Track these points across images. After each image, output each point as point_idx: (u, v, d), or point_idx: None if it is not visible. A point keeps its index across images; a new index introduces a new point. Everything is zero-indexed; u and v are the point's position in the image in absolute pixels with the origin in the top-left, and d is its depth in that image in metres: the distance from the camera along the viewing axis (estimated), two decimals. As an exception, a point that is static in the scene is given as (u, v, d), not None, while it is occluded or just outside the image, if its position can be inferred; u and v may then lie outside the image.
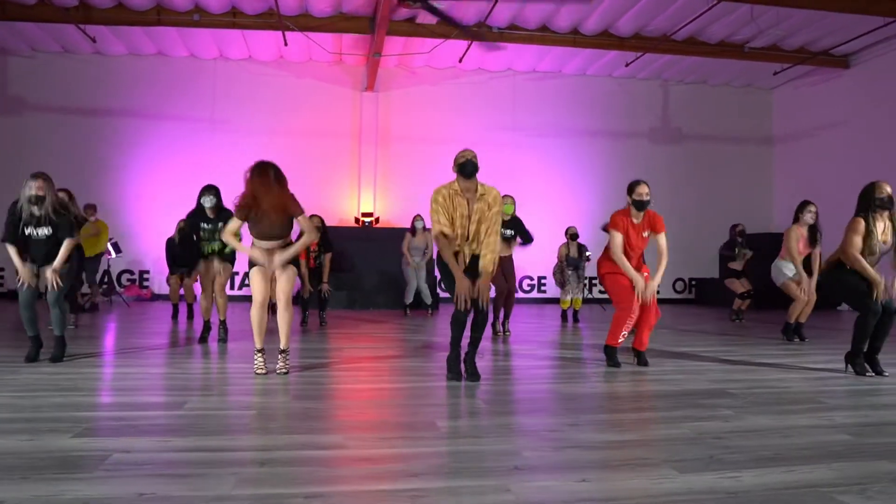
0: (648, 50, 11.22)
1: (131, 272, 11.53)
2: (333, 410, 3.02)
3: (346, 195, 12.48)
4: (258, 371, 3.89)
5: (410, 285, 9.09)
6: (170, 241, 8.28)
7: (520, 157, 13.03)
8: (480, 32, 10.32)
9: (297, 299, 9.48)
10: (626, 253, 4.39)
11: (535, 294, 13.13)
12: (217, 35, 10.92)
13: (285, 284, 3.91)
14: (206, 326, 5.48)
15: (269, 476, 2.02)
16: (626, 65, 12.23)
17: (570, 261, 8.50)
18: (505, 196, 6.60)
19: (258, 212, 3.83)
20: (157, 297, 11.42)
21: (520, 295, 12.95)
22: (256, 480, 1.97)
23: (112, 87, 11.58)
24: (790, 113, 13.64)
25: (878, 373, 4.18)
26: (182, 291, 7.79)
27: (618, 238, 4.38)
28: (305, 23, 10.04)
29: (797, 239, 6.04)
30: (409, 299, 9.13)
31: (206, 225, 5.35)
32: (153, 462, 2.13)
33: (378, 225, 12.05)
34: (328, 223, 11.94)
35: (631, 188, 4.45)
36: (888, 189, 4.16)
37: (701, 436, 2.61)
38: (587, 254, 8.63)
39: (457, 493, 1.88)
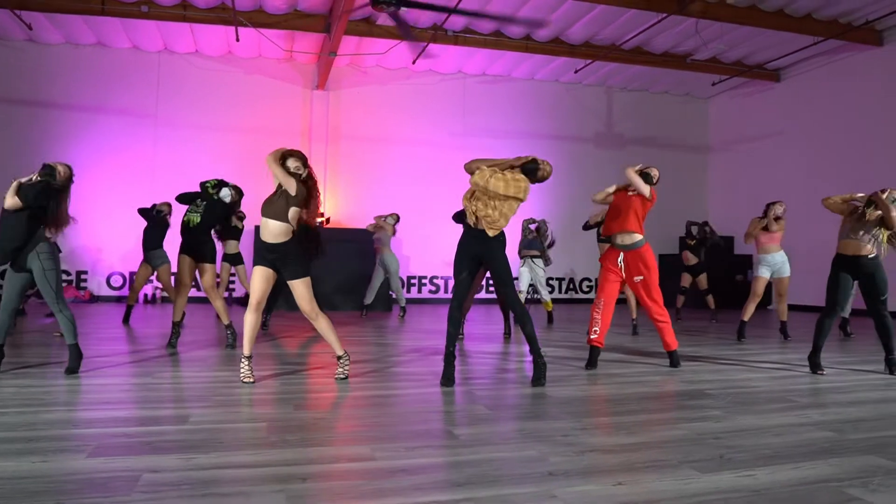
0: (597, 58, 11.59)
1: (68, 273, 10.96)
2: (343, 421, 3.03)
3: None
4: (245, 380, 3.83)
5: (373, 286, 9.07)
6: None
7: (469, 157, 13.12)
8: (425, 35, 10.41)
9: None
10: (611, 212, 4.74)
11: (483, 294, 13.32)
12: (163, 27, 10.54)
13: (304, 293, 3.90)
14: (175, 330, 5.32)
15: (318, 491, 2.03)
16: (576, 71, 12.58)
17: (527, 243, 8.02)
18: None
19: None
20: (96, 299, 10.92)
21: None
22: (308, 497, 1.98)
23: (48, 77, 10.98)
24: (724, 122, 14.38)
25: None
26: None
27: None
28: (259, 19, 9.83)
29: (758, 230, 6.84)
30: (369, 300, 9.11)
31: (200, 201, 5.38)
32: (190, 482, 2.10)
33: (329, 225, 11.92)
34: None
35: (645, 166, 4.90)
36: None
37: (702, 436, 2.78)
38: (547, 233, 8.13)
39: (509, 501, 1.95)
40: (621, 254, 4.64)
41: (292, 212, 3.87)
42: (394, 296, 10.48)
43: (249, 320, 3.86)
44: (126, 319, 7.41)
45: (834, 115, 11.59)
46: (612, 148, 14.12)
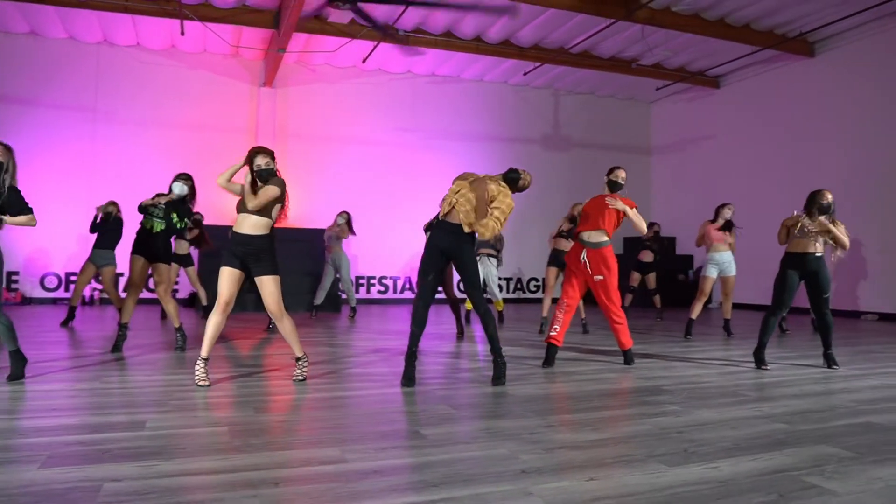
0: (546, 61, 11.77)
1: (-3, 275, 10.37)
2: (307, 423, 2.97)
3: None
4: (200, 383, 3.72)
5: (324, 285, 8.95)
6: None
7: (418, 158, 13.18)
8: (401, 36, 10.36)
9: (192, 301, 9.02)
10: (586, 213, 4.81)
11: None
12: (102, 18, 10.10)
13: (274, 291, 3.85)
14: (122, 333, 5.10)
15: (293, 496, 1.98)
16: (525, 73, 12.74)
17: (483, 241, 7.89)
18: None
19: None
20: (29, 301, 10.38)
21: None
22: (283, 501, 1.93)
23: (-25, 67, 10.37)
24: (666, 126, 14.83)
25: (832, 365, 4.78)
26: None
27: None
28: (206, 13, 9.54)
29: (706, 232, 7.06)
30: (320, 300, 8.99)
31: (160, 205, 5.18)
32: (156, 489, 2.02)
33: (277, 225, 11.69)
34: (223, 222, 11.48)
35: (610, 170, 4.89)
36: (829, 196, 4.75)
37: (664, 431, 2.86)
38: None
39: (486, 500, 1.96)
40: (584, 251, 4.71)
41: (276, 209, 3.91)
42: (344, 296, 10.37)
43: (214, 322, 3.76)
44: (66, 322, 7.08)
45: (769, 121, 12.13)
46: (559, 150, 14.37)
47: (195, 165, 11.49)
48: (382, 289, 12.85)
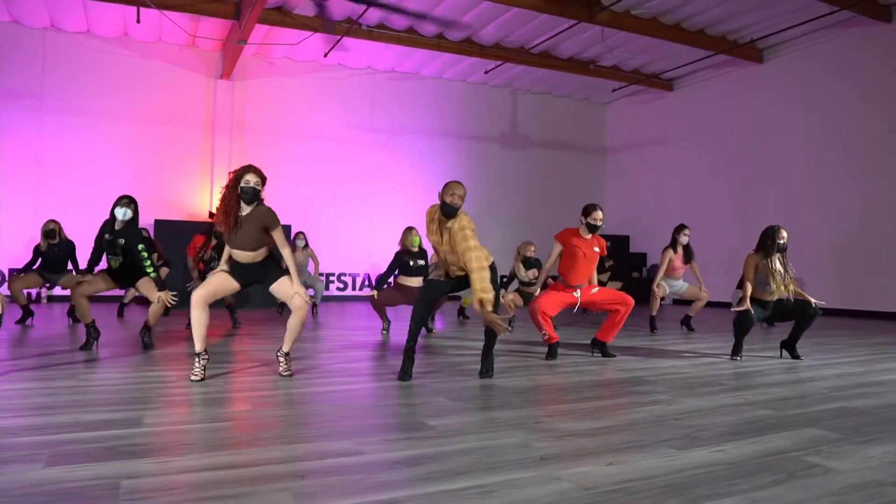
0: (507, 60, 11.89)
1: (-68, 272, 9.80)
2: (310, 417, 2.93)
3: (198, 188, 11.69)
4: (194, 378, 3.65)
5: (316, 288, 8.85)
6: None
7: (378, 155, 13.12)
8: (343, 28, 10.27)
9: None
10: (577, 265, 4.80)
11: (395, 291, 13.28)
12: (50, 1, 9.66)
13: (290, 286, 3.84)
14: (91, 331, 4.92)
15: (323, 487, 1.96)
16: (486, 72, 12.84)
17: None
18: (409, 228, 6.74)
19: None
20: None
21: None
22: (315, 493, 1.91)
23: None
24: (620, 126, 15.21)
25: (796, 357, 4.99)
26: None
27: (556, 250, 4.78)
28: (163, 0, 9.24)
29: (670, 260, 7.01)
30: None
31: (107, 236, 4.92)
32: (179, 485, 1.96)
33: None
34: (178, 217, 11.18)
35: (587, 211, 4.82)
36: (785, 234, 4.86)
37: (661, 418, 2.95)
38: None
39: (518, 486, 1.99)
40: (578, 290, 4.90)
41: (273, 237, 3.87)
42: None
43: (195, 317, 3.70)
44: (23, 320, 6.81)
45: (719, 124, 12.61)
46: (516, 148, 14.54)
47: (150, 159, 11.16)
48: (342, 286, 12.73)
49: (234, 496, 1.87)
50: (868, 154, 10.05)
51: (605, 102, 15.28)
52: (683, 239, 7.05)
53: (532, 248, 7.26)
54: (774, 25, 10.38)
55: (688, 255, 7.11)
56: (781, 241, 4.84)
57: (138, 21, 9.51)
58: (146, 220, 8.77)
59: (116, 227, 4.90)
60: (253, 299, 10.00)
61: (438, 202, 3.90)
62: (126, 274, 5.02)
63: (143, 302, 10.26)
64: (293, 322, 3.88)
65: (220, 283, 3.80)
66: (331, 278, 12.64)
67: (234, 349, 5.20)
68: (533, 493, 1.93)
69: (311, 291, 9.75)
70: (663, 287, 7.12)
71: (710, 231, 12.24)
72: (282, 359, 3.94)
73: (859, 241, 10.14)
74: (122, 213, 4.85)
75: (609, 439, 2.57)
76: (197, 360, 3.70)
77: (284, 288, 3.85)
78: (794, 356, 5.02)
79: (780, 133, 11.40)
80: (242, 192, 3.75)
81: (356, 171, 12.95)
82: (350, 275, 12.86)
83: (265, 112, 12.09)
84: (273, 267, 3.91)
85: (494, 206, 13.75)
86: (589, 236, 4.88)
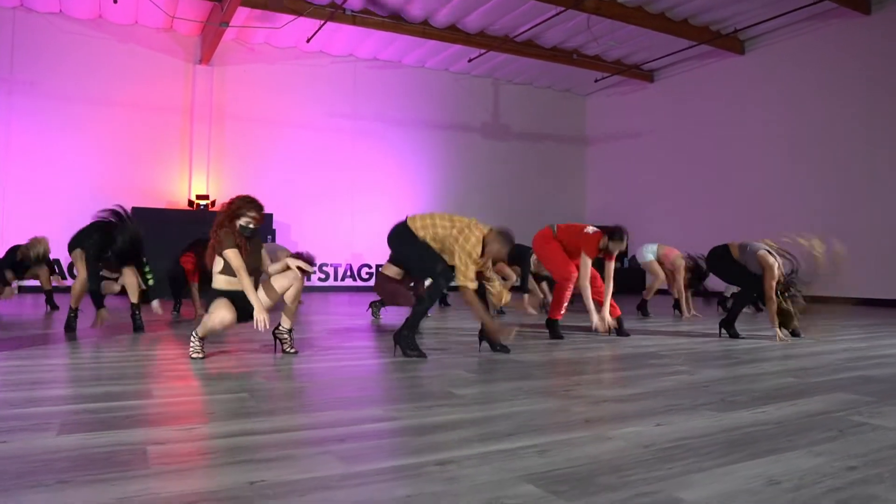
0: (491, 48, 11.81)
1: None
2: (329, 389, 2.79)
3: (177, 175, 11.38)
4: (194, 355, 3.50)
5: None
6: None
7: (359, 144, 12.94)
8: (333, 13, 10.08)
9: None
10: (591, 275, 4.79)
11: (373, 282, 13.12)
12: (20, -20, 9.29)
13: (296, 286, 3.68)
14: (74, 313, 4.69)
15: (368, 450, 1.84)
16: (469, 60, 12.73)
17: None
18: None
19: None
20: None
21: (357, 283, 12.88)
22: (360, 454, 1.79)
23: None
24: (601, 118, 15.25)
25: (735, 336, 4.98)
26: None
27: (589, 262, 4.70)
28: (141, -21, 8.94)
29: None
30: None
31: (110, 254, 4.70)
32: (211, 450, 1.83)
33: (215, 208, 11.16)
34: (157, 205, 10.85)
35: (619, 236, 4.79)
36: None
37: (691, 386, 2.89)
38: None
39: (574, 444, 1.89)
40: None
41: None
42: None
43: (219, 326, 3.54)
44: None
45: (699, 115, 12.70)
46: (497, 139, 14.48)
47: (126, 145, 10.81)
48: (323, 276, 12.53)
49: (275, 459, 1.74)
50: (846, 144, 10.21)
51: (586, 94, 15.31)
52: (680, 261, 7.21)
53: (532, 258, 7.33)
54: (757, 16, 10.48)
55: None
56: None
57: (115, 1, 9.20)
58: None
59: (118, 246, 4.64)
60: None
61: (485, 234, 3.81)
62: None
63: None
64: (290, 294, 3.72)
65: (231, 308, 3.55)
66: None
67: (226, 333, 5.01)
68: (590, 450, 1.84)
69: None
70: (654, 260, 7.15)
71: (690, 222, 12.35)
72: (285, 335, 3.79)
73: (836, 230, 10.29)
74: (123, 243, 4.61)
75: (647, 404, 2.49)
76: (195, 337, 3.53)
77: (280, 286, 3.69)
78: (795, 335, 5.01)
79: (760, 124, 11.53)
80: (243, 230, 3.59)
81: (337, 159, 12.76)
82: (332, 265, 12.66)
83: (245, 99, 11.82)
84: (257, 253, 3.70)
85: (473, 197, 13.67)
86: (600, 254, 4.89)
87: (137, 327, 4.79)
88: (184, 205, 11.11)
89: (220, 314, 3.43)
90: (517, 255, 7.11)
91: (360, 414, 2.29)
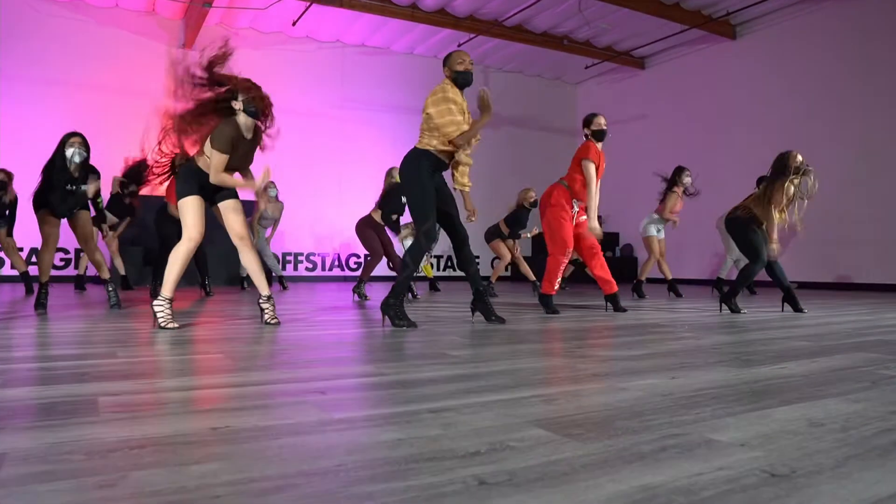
0: (481, 32, 11.58)
1: None
2: (314, 350, 2.57)
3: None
4: (167, 325, 3.25)
5: (265, 254, 8.46)
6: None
7: (347, 132, 12.68)
8: None
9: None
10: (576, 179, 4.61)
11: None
12: (-6, -41, 8.96)
13: (241, 215, 3.49)
14: (43, 288, 4.43)
15: (350, 401, 1.63)
16: (459, 45, 12.49)
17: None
18: (392, 168, 6.55)
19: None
20: None
21: (346, 273, 12.63)
22: (341, 404, 1.58)
23: None
24: (592, 107, 15.03)
25: (800, 310, 4.76)
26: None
27: (592, 168, 4.48)
28: (120, -44, 8.64)
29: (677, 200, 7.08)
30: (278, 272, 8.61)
31: (69, 187, 4.37)
32: (170, 401, 1.60)
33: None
34: (142, 192, 10.52)
35: (588, 121, 4.65)
36: (800, 158, 4.66)
37: (701, 348, 2.69)
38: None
39: (580, 395, 1.69)
40: (576, 206, 4.69)
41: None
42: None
43: (182, 259, 3.38)
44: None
45: (691, 101, 12.56)
46: (489, 127, 14.22)
47: (109, 130, 10.48)
48: (311, 265, 12.27)
49: (244, 408, 1.52)
50: (841, 129, 10.08)
51: (577, 82, 15.13)
52: (687, 179, 7.21)
53: (532, 194, 7.28)
54: (750, -2, 10.33)
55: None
56: (798, 164, 4.62)
57: (92, -21, 8.88)
58: (107, 196, 8.20)
59: (73, 173, 4.40)
60: (215, 274, 9.50)
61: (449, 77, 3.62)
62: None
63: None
64: (247, 260, 3.51)
65: (203, 210, 3.43)
66: (299, 258, 12.16)
67: (208, 308, 4.77)
68: (603, 399, 1.63)
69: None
70: (656, 237, 7.02)
71: (684, 209, 12.18)
72: (265, 305, 3.56)
73: (832, 214, 10.18)
74: (79, 156, 4.36)
75: (658, 362, 2.29)
76: (167, 305, 3.31)
77: (235, 214, 3.52)
78: (797, 309, 4.83)
79: (753, 110, 11.39)
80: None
81: (325, 147, 12.50)
82: (319, 254, 12.41)
83: None
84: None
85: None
86: (599, 144, 4.73)
87: (113, 304, 4.54)
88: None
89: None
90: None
91: (346, 370, 2.08)
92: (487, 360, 2.31)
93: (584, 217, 4.64)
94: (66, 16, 10.17)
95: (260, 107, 3.35)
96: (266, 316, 3.54)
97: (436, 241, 3.59)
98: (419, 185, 3.50)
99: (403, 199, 6.24)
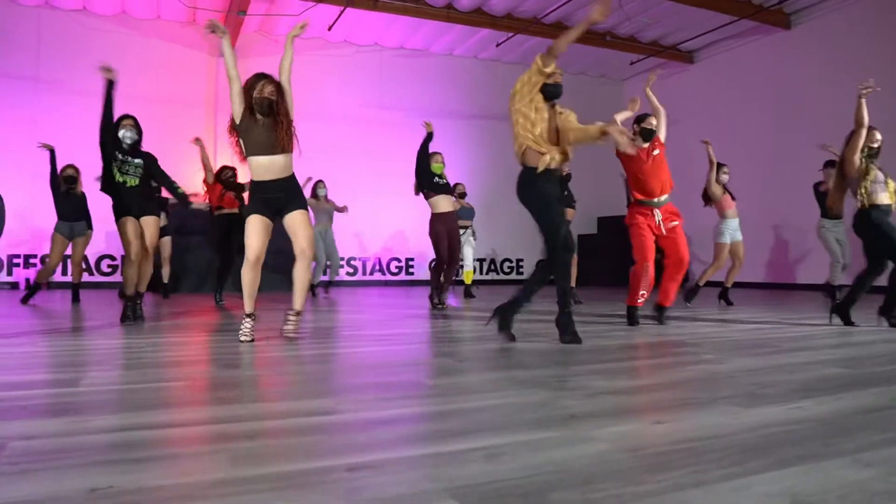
0: (519, 31, 11.31)
1: (-75, 258, 9.46)
2: (292, 376, 2.43)
3: (200, 168, 11.24)
4: (243, 338, 3.33)
5: (319, 261, 8.45)
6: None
7: (386, 135, 12.60)
8: None
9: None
10: (646, 183, 4.44)
11: (403, 276, 12.80)
12: (41, -23, 9.27)
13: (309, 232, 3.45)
14: (132, 303, 4.48)
15: (271, 449, 1.46)
16: (497, 45, 12.26)
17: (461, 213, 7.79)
18: (435, 153, 6.39)
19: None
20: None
21: (387, 278, 12.57)
22: (259, 456, 1.41)
23: None
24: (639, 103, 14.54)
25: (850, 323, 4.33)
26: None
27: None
28: (156, -31, 8.80)
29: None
30: (317, 279, 8.50)
31: (120, 155, 4.48)
32: (84, 447, 1.47)
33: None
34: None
35: (640, 119, 4.57)
36: (879, 136, 4.42)
37: (715, 376, 2.41)
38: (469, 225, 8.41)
39: (538, 447, 1.47)
40: (657, 210, 4.45)
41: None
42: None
43: (248, 277, 3.37)
44: (27, 299, 6.57)
45: (746, 97, 11.91)
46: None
47: (149, 139, 10.70)
48: (351, 270, 12.26)
49: (148, 459, 1.37)
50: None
51: (622, 79, 14.64)
52: (724, 177, 6.82)
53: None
54: (805, -16, 9.70)
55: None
56: (875, 145, 4.30)
57: (131, -8, 9.08)
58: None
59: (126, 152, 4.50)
60: (272, 281, 9.56)
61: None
62: (138, 205, 4.55)
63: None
64: (301, 274, 3.45)
65: (260, 231, 3.38)
66: (340, 263, 12.16)
67: (204, 319, 4.72)
68: (558, 455, 1.41)
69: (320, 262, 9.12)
70: (727, 244, 6.67)
71: (744, 211, 11.57)
72: (292, 317, 3.49)
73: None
74: (130, 138, 4.47)
75: (655, 397, 2.04)
76: (247, 320, 3.39)
77: (304, 227, 3.45)
78: (846, 321, 4.38)
79: (813, 103, 10.69)
80: (259, 106, 3.42)
81: (364, 151, 12.46)
82: (360, 259, 12.39)
83: None
84: (299, 186, 3.56)
85: (505, 187, 13.13)
86: (646, 145, 4.50)
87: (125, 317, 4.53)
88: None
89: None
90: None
91: (300, 406, 1.91)
92: (463, 392, 2.10)
93: (675, 223, 4.37)
94: (110, 29, 10.45)
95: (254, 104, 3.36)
96: (288, 326, 3.48)
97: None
98: (535, 195, 3.40)
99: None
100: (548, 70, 3.38)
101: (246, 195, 6.11)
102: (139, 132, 4.60)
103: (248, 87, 3.44)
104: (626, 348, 3.23)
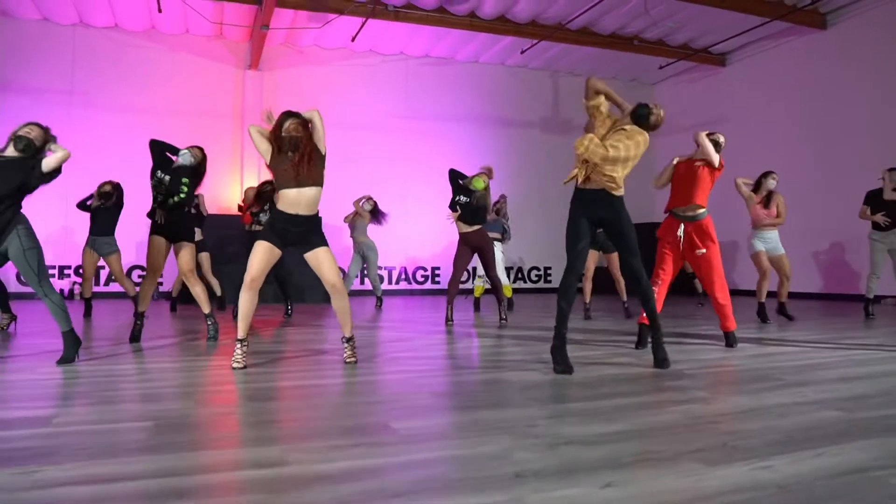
0: (543, 37, 11.19)
1: (-32, 269, 9.85)
2: (253, 417, 2.42)
3: (228, 181, 11.46)
4: (235, 365, 3.36)
5: (350, 275, 8.59)
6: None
7: (413, 143, 12.62)
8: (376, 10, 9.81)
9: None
10: (674, 190, 4.48)
11: (429, 285, 12.78)
12: (76, -4, 9.58)
13: (333, 263, 3.51)
14: (139, 322, 4.58)
15: (195, 514, 1.44)
16: (522, 52, 12.17)
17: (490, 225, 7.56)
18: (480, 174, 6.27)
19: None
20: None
21: (413, 287, 12.56)
22: (177, 522, 1.39)
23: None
24: (670, 107, 14.14)
25: None
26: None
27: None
28: (182, -13, 9.00)
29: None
30: (378, 290, 8.73)
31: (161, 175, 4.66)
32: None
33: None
34: (209, 211, 10.93)
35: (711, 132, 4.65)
36: None
37: (696, 421, 2.31)
38: (505, 223, 8.26)
39: (465, 518, 1.41)
40: (682, 224, 4.33)
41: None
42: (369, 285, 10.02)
43: (245, 299, 3.40)
44: (88, 313, 6.83)
45: (778, 100, 11.53)
46: (558, 133, 13.79)
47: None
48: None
49: (68, 526, 1.37)
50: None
51: (654, 83, 14.36)
52: (772, 183, 6.55)
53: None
54: (840, -17, 9.34)
55: (768, 199, 6.51)
56: None
57: (160, 10, 9.30)
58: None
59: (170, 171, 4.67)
60: (306, 294, 9.67)
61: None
62: (171, 221, 4.66)
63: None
64: (338, 305, 3.54)
65: (265, 256, 3.44)
66: (363, 271, 12.23)
67: (289, 338, 4.76)
68: (483, 528, 1.35)
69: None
70: (762, 251, 6.39)
71: (791, 219, 11.19)
72: (345, 344, 3.62)
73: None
74: (188, 159, 4.69)
75: (618, 448, 1.95)
76: (239, 346, 3.42)
77: (327, 262, 3.50)
78: None
79: (851, 106, 10.28)
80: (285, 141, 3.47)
81: (390, 160, 12.50)
82: (386, 268, 12.42)
83: (295, 102, 11.50)
84: (318, 230, 3.58)
85: (533, 194, 13.08)
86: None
87: (210, 336, 4.62)
88: (234, 210, 11.16)
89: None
90: None
91: (249, 455, 1.89)
92: (421, 440, 2.06)
93: (701, 251, 4.28)
94: (140, 44, 10.72)
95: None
96: (346, 353, 3.60)
97: (579, 275, 3.41)
98: (569, 221, 3.51)
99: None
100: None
101: None
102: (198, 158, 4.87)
103: (277, 126, 3.46)
104: (618, 381, 3.12)
